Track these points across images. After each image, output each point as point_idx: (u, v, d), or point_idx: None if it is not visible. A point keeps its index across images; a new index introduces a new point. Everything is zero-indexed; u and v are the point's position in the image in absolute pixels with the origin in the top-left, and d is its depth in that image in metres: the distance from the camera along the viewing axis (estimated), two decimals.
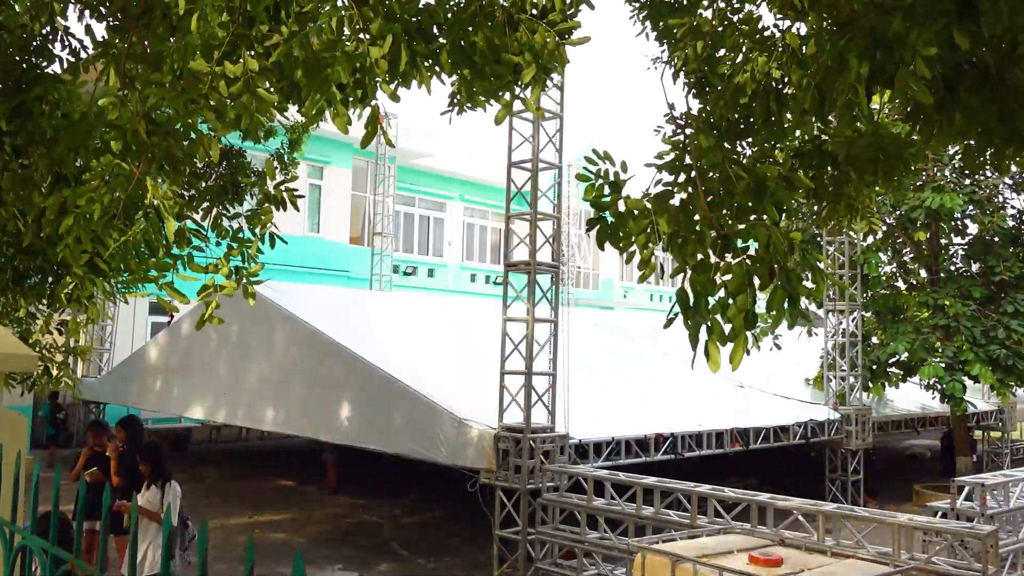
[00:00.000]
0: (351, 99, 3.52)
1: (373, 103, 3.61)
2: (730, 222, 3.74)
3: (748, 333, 3.23)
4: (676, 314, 3.36)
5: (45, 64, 4.90)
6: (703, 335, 3.29)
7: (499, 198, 24.92)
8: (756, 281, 3.36)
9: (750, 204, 3.75)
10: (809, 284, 3.56)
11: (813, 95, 3.48)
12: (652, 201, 3.61)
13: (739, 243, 3.56)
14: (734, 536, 7.10)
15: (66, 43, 5.02)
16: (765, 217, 3.67)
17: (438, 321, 15.94)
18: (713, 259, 3.51)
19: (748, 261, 3.34)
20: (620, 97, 74.24)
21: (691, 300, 3.32)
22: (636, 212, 3.54)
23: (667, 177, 3.94)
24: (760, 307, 3.80)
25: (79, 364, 17.25)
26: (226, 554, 10.15)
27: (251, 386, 13.57)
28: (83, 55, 4.94)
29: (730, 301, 3.23)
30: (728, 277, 3.33)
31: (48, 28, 4.87)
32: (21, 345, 3.44)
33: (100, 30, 4.49)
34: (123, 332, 19.16)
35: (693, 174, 3.84)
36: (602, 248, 3.72)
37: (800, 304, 3.27)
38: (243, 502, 14.01)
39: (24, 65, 4.83)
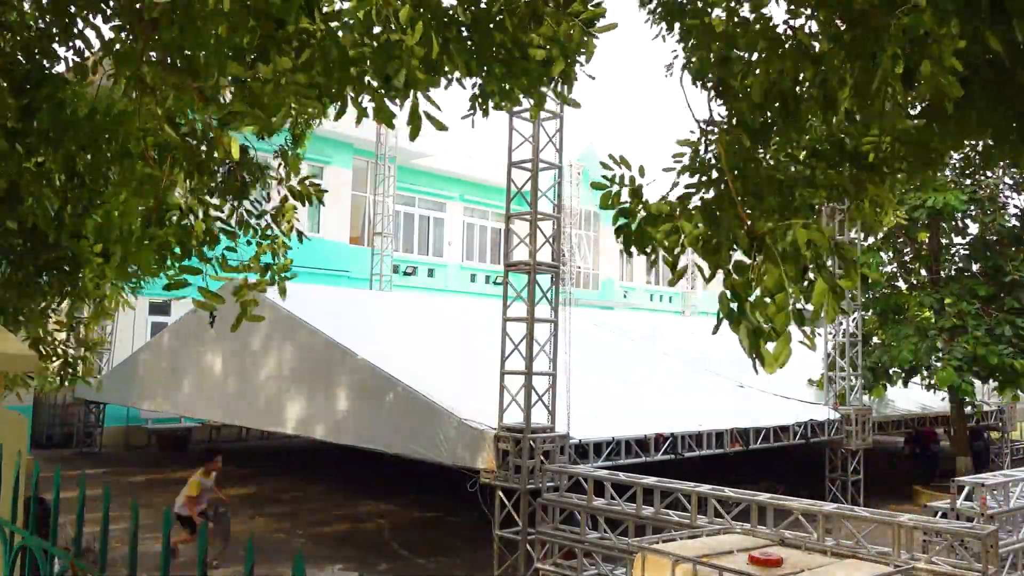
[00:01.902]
0: (392, 92, 3.51)
1: (412, 95, 3.59)
2: (759, 221, 3.70)
3: (802, 329, 3.23)
4: (723, 320, 3.32)
5: (48, 65, 4.88)
6: (744, 335, 3.25)
7: (499, 198, 24.91)
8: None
9: (777, 203, 3.73)
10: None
11: (850, 94, 3.45)
12: (677, 205, 3.58)
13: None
14: (734, 536, 7.10)
15: (71, 44, 5.00)
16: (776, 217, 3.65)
17: (438, 321, 15.94)
18: (746, 260, 3.47)
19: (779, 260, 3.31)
20: (619, 97, 74.22)
21: (733, 304, 3.29)
22: (659, 216, 3.50)
23: (688, 179, 3.91)
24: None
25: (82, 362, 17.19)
26: (226, 554, 10.15)
27: (251, 386, 13.57)
28: (87, 54, 4.92)
29: (766, 300, 3.20)
30: (764, 277, 3.29)
31: (54, 28, 4.85)
32: (21, 345, 3.44)
33: (105, 30, 4.47)
34: (123, 332, 19.15)
35: (715, 175, 3.80)
36: (629, 254, 3.72)
37: (842, 297, 3.26)
38: (243, 502, 14.00)
39: (29, 65, 4.82)
